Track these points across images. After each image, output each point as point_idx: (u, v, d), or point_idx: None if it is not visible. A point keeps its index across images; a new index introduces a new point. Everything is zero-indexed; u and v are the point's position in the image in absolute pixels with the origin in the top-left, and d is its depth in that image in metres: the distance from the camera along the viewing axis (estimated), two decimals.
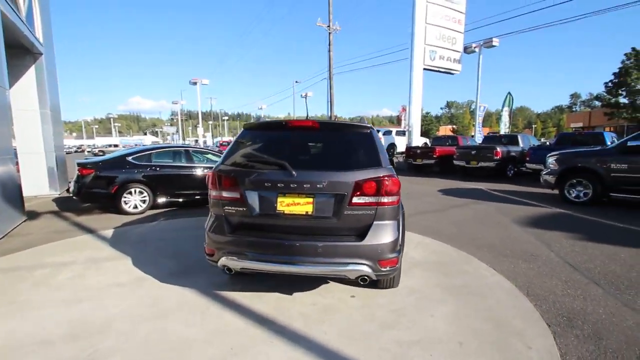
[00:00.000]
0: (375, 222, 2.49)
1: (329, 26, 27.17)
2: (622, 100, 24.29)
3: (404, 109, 23.52)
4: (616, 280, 3.38)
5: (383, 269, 2.43)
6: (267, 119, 3.10)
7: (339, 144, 2.72)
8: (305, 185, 2.45)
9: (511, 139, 14.03)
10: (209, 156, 7.93)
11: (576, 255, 4.12)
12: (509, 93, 17.92)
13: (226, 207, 2.64)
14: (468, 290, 3.16)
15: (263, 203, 2.55)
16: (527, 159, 12.21)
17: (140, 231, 5.30)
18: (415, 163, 15.07)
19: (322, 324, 2.56)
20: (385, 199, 2.47)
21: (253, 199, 2.56)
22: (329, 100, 31.04)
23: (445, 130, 69.71)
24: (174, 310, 2.75)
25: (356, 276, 2.44)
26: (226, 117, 70.59)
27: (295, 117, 45.84)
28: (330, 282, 3.27)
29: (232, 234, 2.57)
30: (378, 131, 21.86)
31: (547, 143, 17.02)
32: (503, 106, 18.31)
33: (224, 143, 30.09)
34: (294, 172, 2.46)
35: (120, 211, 6.50)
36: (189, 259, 3.97)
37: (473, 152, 13.03)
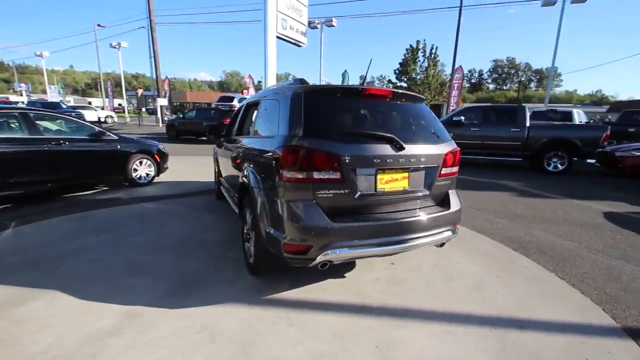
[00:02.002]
0: (449, 191, 2.71)
1: None
2: (404, 85, 32.83)
3: (250, 77, 22.80)
4: (503, 213, 5.04)
5: (457, 231, 2.73)
6: (318, 83, 2.59)
7: (416, 115, 2.65)
8: (411, 160, 2.33)
9: None
10: (62, 124, 5.43)
11: (466, 202, 5.73)
12: (346, 71, 20.86)
13: (319, 191, 2.15)
14: None
15: (364, 182, 2.25)
16: None
17: (7, 248, 3.24)
18: None
19: (409, 294, 2.63)
20: (455, 169, 2.70)
21: (354, 178, 2.21)
22: (152, 55, 26.07)
23: None
24: (249, 333, 2.08)
25: (443, 241, 2.62)
26: None
27: (103, 73, 35.94)
28: None
29: (334, 221, 2.14)
30: (232, 98, 20.43)
31: None
32: (342, 82, 21.17)
33: None
34: (405, 146, 2.29)
35: None
36: (161, 269, 2.90)
37: None
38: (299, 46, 20.31)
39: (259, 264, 2.66)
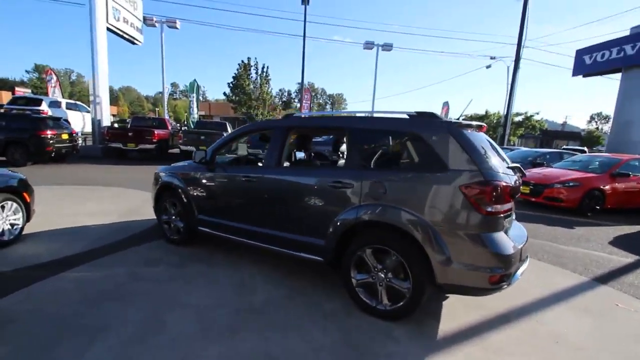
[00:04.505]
0: None
1: None
2: (237, 98, 32.91)
3: (51, 72, 16.46)
4: None
5: None
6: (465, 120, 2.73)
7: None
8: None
9: (160, 122, 14.62)
10: None
11: None
12: (195, 80, 18.78)
13: (505, 220, 2.44)
14: None
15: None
16: (180, 141, 13.25)
17: None
18: (126, 148, 12.28)
19: (507, 295, 3.15)
20: None
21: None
22: None
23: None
24: None
25: None
26: None
27: None
28: None
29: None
30: (38, 100, 14.29)
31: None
32: (191, 92, 18.85)
33: None
34: (526, 173, 2.82)
35: None
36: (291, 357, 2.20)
37: (130, 134, 12.61)
38: (135, 44, 17.08)
39: (414, 305, 2.49)
